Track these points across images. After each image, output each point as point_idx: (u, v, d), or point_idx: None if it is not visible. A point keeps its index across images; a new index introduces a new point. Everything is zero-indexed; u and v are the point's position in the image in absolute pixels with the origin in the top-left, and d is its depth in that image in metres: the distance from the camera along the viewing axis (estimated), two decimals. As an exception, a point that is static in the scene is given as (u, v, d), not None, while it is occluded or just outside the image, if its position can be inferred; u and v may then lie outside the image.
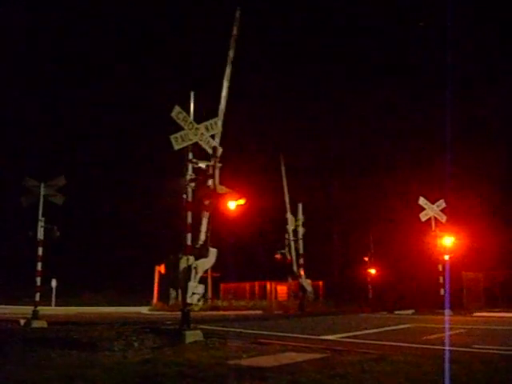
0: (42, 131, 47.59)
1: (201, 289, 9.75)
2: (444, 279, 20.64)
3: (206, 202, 10.51)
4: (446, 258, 20.81)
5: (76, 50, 54.29)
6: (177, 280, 9.65)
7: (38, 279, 14.11)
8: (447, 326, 13.14)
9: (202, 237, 10.63)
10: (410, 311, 21.86)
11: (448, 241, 21.05)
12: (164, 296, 11.22)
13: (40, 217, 14.18)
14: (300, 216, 24.37)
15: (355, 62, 47.50)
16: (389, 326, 13.63)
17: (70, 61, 54.80)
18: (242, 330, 11.85)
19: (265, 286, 29.60)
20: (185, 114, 10.29)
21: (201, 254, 10.13)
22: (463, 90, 34.31)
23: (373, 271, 34.23)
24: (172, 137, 10.01)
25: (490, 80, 38.59)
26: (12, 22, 40.34)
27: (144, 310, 26.31)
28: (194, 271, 9.65)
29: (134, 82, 52.91)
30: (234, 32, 12.25)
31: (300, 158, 41.15)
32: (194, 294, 9.57)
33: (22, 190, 14.53)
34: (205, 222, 10.68)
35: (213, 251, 10.32)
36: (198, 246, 10.35)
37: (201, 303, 10.16)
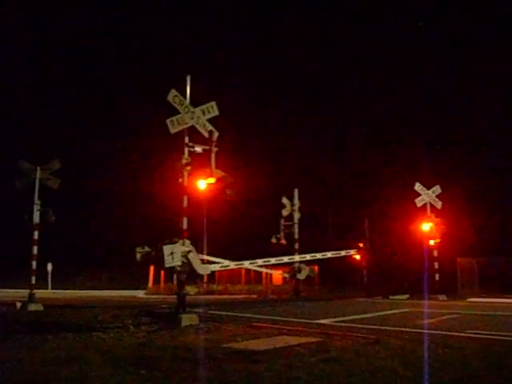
0: (37, 114, 47.31)
1: (179, 261, 9.49)
2: (439, 265, 20.77)
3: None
4: (436, 242, 20.93)
5: (74, 32, 53.78)
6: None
7: (34, 263, 14.12)
8: (441, 311, 13.22)
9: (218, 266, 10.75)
10: (405, 296, 21.96)
11: (442, 226, 21.08)
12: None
13: (35, 200, 14.13)
14: (296, 201, 24.34)
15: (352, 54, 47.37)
16: (383, 310, 13.68)
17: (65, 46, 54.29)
18: (237, 314, 11.89)
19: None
20: (181, 97, 10.22)
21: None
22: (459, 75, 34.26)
23: (368, 256, 34.27)
24: (168, 120, 9.97)
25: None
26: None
27: (140, 293, 26.40)
28: (186, 249, 9.62)
29: (131, 65, 52.56)
30: None
31: (296, 142, 41.17)
32: (172, 253, 9.34)
33: (16, 174, 14.45)
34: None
35: (208, 267, 10.39)
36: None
37: (177, 262, 9.55)
